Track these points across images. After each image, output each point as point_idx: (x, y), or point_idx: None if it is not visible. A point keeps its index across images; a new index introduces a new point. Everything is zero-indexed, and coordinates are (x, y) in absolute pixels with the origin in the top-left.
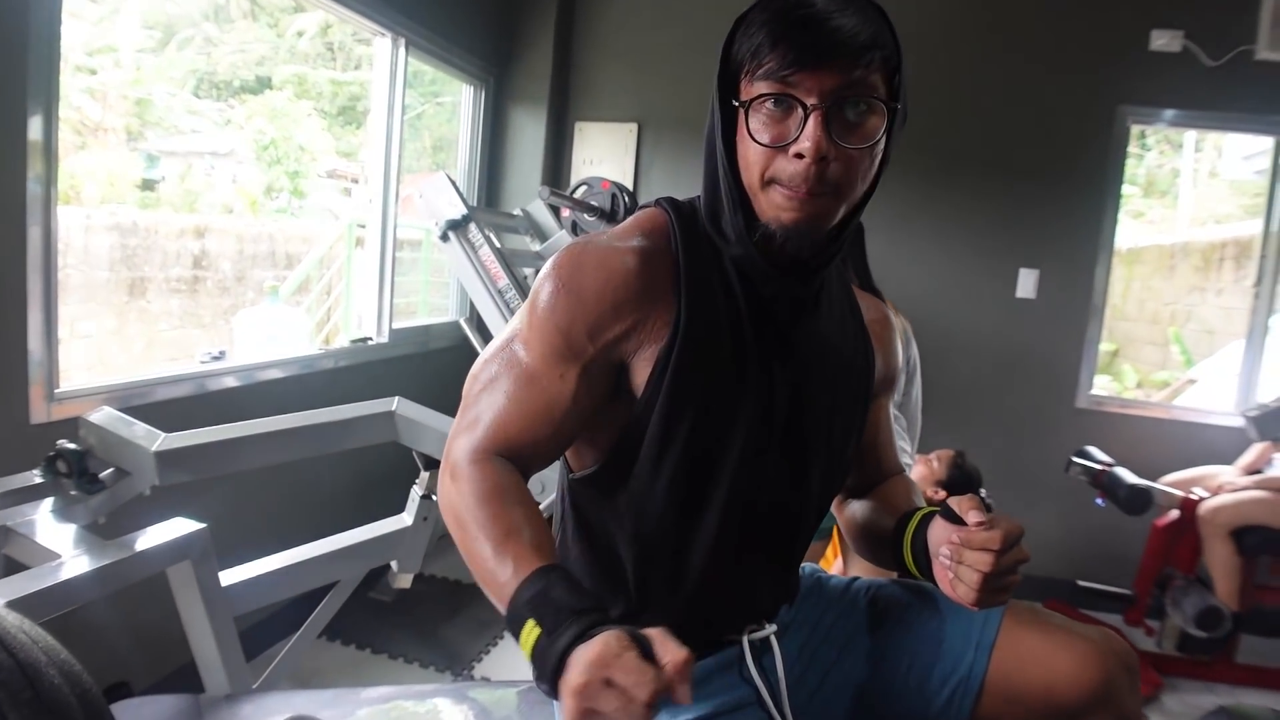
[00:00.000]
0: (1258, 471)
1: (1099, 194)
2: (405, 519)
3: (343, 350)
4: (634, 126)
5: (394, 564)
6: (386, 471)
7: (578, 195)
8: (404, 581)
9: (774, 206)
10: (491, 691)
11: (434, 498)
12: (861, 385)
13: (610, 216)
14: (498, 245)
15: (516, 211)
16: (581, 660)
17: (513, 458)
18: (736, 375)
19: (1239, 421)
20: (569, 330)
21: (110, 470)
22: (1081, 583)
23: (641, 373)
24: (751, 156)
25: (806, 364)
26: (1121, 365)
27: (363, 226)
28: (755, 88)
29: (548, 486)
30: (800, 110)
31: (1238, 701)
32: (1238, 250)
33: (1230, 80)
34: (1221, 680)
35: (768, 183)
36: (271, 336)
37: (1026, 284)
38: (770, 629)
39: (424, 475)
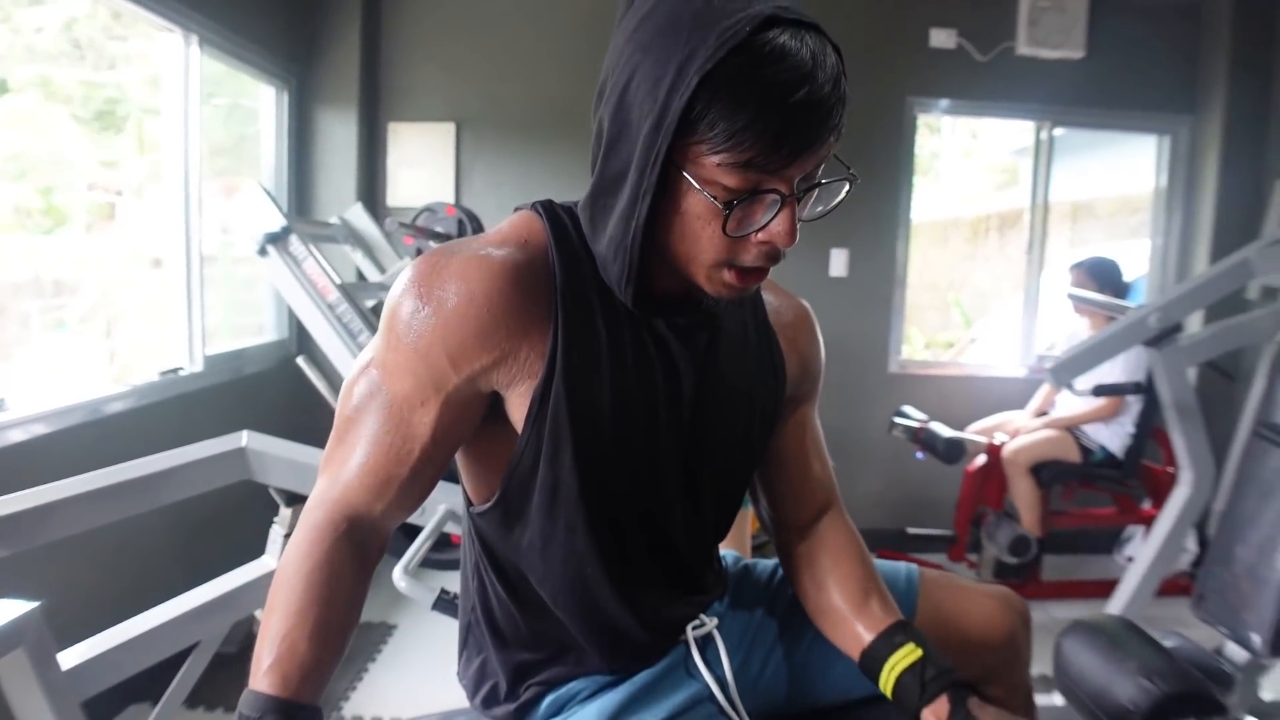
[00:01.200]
0: (1045, 414)
1: (895, 177)
2: (268, 561)
3: (150, 385)
4: (452, 127)
5: (258, 612)
6: (228, 512)
7: (420, 222)
8: None
9: (716, 285)
10: None
11: None
12: (770, 405)
13: None
14: (320, 258)
15: (334, 220)
16: None
17: (366, 516)
18: (622, 411)
19: (1021, 373)
20: (428, 354)
21: None
22: (910, 530)
23: (517, 408)
24: (705, 241)
25: (701, 390)
26: (910, 330)
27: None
28: (726, 176)
29: (428, 510)
30: (778, 199)
31: (1088, 615)
32: (1000, 222)
33: (996, 73)
34: (1033, 597)
35: (719, 265)
36: (60, 376)
37: (838, 262)
38: (712, 623)
39: (285, 513)
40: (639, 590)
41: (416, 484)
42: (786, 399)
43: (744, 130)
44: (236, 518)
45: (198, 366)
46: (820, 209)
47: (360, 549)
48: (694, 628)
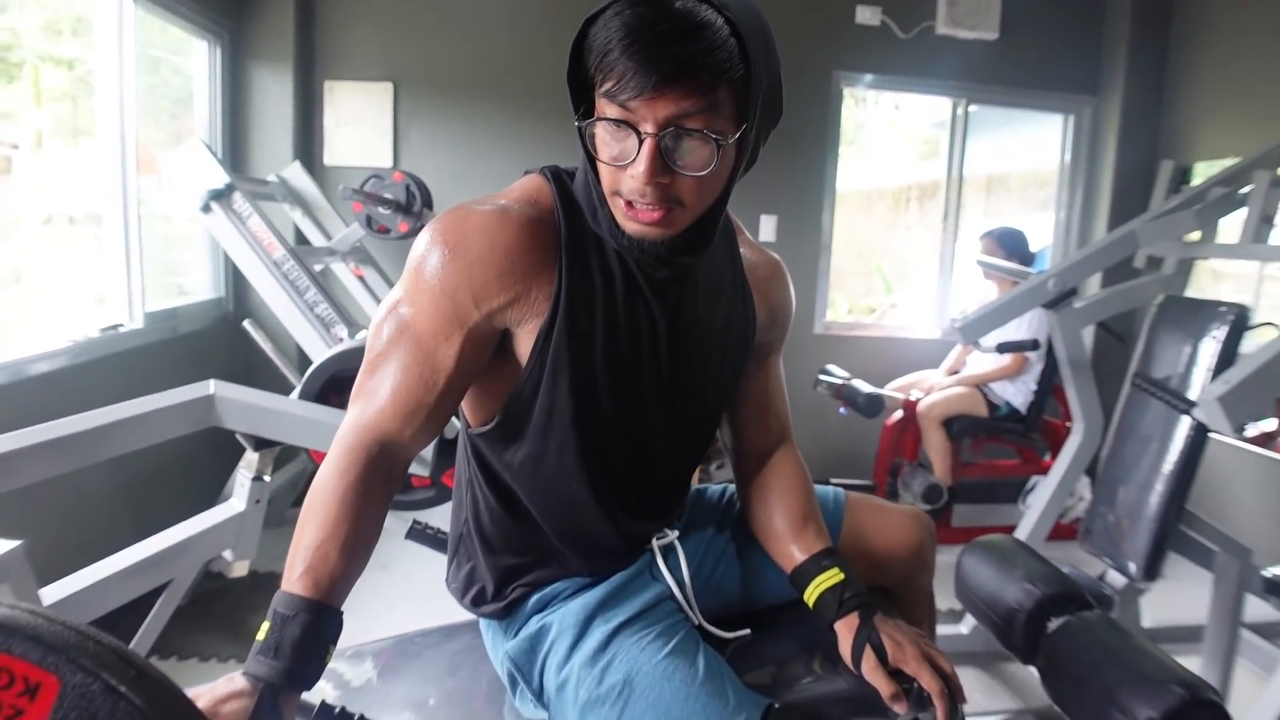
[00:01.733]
0: (957, 373)
1: (821, 147)
2: (236, 504)
3: (90, 342)
4: (389, 86)
5: (228, 553)
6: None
7: (369, 188)
8: (241, 569)
9: (619, 214)
10: (340, 664)
11: (266, 479)
12: (740, 347)
13: (406, 208)
14: (263, 216)
15: (271, 178)
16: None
17: (395, 440)
18: (613, 349)
19: (936, 334)
20: (455, 295)
21: None
22: (833, 480)
23: (524, 343)
24: (601, 169)
25: (680, 333)
26: (835, 295)
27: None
28: (600, 105)
29: None
30: (636, 135)
31: (985, 536)
32: (920, 192)
33: (917, 50)
34: (944, 542)
35: (614, 194)
36: None
37: (768, 228)
38: (673, 534)
39: (252, 457)
40: (617, 505)
41: (441, 410)
42: (756, 343)
43: (603, 57)
44: (197, 466)
45: (138, 323)
46: (693, 162)
47: (387, 471)
48: (658, 538)
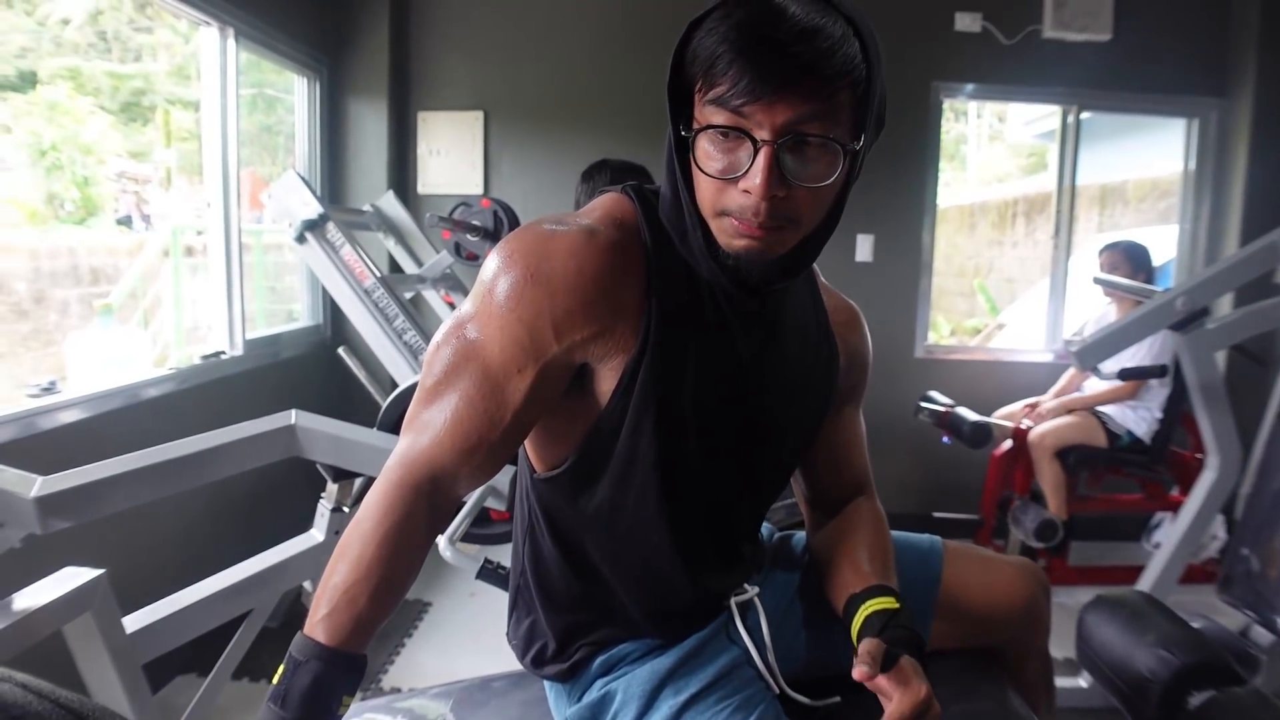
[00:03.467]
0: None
1: (920, 162)
2: (316, 535)
3: (193, 369)
4: (480, 115)
5: (307, 584)
6: (275, 487)
7: (457, 216)
8: None
9: (724, 234)
10: (421, 700)
11: (345, 509)
12: (824, 390)
13: (493, 235)
14: (357, 245)
15: (366, 208)
16: None
17: (448, 478)
18: (702, 388)
19: (1048, 357)
20: (534, 324)
21: None
22: (936, 514)
23: (606, 380)
24: (703, 185)
25: (766, 372)
26: (935, 316)
27: (200, 233)
28: (705, 113)
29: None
30: (750, 143)
31: (1110, 590)
32: (1027, 206)
33: (1022, 56)
34: (1059, 583)
35: (719, 213)
36: (110, 360)
37: (864, 248)
38: (753, 591)
39: (332, 488)
40: (695, 559)
41: (503, 448)
42: (836, 389)
43: (713, 60)
44: (285, 494)
45: (238, 350)
46: (813, 173)
47: (434, 513)
48: (736, 595)
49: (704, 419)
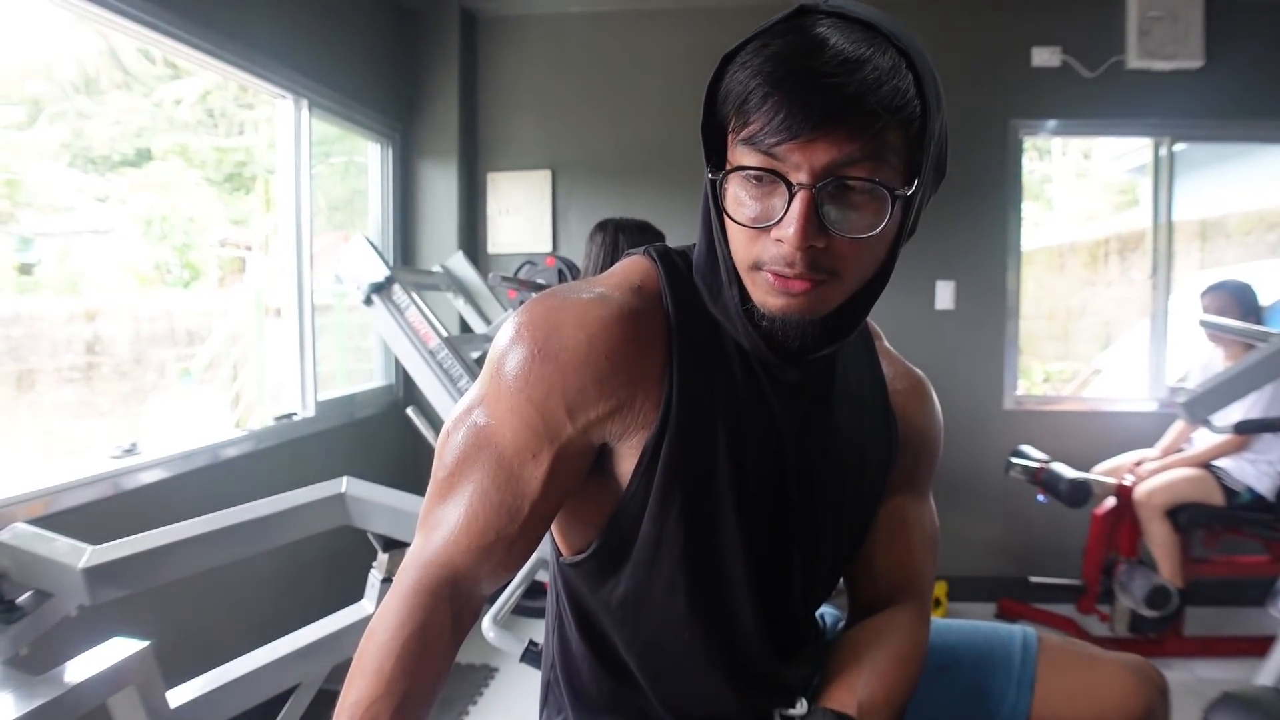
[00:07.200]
0: (1179, 451)
1: (1001, 204)
2: (366, 606)
3: (266, 430)
4: (547, 173)
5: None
6: (329, 555)
7: (522, 275)
8: None
9: (759, 290)
10: None
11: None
12: (881, 472)
13: None
14: (423, 306)
15: (436, 268)
16: None
17: (469, 578)
18: (735, 466)
19: (1152, 406)
20: (544, 404)
21: (29, 594)
22: (1033, 579)
23: (626, 460)
24: (735, 235)
25: (811, 449)
26: (1029, 361)
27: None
28: (736, 154)
29: None
30: (785, 187)
31: (1239, 686)
32: (1120, 245)
33: (1107, 89)
34: (1175, 655)
35: (753, 266)
36: (187, 422)
37: (944, 295)
38: (802, 707)
39: (382, 558)
40: (734, 662)
41: (525, 542)
42: (896, 473)
43: (747, 97)
44: (337, 561)
45: (310, 411)
46: (857, 223)
47: (457, 617)
48: (784, 712)
49: (740, 503)
